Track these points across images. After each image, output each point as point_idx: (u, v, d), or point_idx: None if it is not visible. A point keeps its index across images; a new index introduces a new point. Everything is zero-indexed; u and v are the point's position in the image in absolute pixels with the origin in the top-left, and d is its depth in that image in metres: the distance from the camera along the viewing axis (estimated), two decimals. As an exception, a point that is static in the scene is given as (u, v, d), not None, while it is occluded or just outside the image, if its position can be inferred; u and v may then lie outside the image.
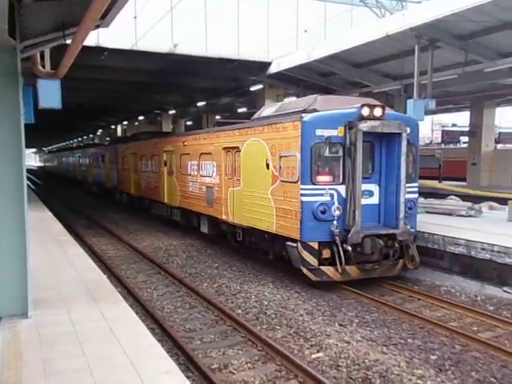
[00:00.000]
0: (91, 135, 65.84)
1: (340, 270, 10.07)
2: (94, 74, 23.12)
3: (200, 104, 31.74)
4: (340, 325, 8.49)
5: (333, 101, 11.18)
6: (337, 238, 9.98)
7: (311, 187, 10.09)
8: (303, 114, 10.17)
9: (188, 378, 6.30)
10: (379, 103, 10.73)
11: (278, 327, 8.38)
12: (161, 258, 14.05)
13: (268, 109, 12.96)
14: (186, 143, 16.71)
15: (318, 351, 7.34)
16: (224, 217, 13.87)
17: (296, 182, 10.26)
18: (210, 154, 14.55)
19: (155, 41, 18.50)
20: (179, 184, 17.48)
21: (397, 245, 10.43)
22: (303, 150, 10.01)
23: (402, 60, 16.81)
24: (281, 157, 10.86)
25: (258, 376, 6.52)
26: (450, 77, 16.50)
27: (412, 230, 10.82)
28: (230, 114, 37.79)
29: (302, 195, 10.10)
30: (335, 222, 10.13)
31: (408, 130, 10.29)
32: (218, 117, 38.34)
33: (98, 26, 6.51)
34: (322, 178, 10.24)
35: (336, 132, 10.07)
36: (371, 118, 10.02)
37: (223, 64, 20.93)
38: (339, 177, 10.30)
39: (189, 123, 43.00)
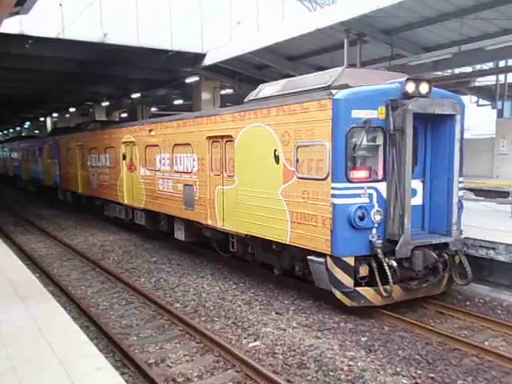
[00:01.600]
0: (18, 128, 62.38)
1: (384, 292, 7.96)
2: (18, 63, 21.95)
3: (135, 96, 31.01)
4: (277, 313, 8.68)
5: (363, 74, 9.06)
6: (378, 250, 7.90)
7: (346, 186, 7.90)
8: (333, 91, 7.92)
9: (124, 374, 6.26)
10: (423, 77, 8.80)
11: (216, 319, 8.44)
12: (96, 255, 13.67)
13: (269, 87, 10.46)
14: (153, 132, 13.93)
15: (255, 340, 7.48)
16: (210, 222, 11.36)
17: (324, 179, 8.01)
18: (189, 144, 12.05)
19: (84, 29, 17.79)
20: (145, 182, 14.68)
21: (446, 256, 8.36)
22: (336, 138, 7.79)
23: (332, 53, 17.27)
24: (298, 147, 8.55)
25: (196, 368, 6.56)
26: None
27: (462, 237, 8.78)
28: (167, 106, 37.22)
29: (334, 196, 7.87)
30: (375, 231, 8.07)
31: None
32: (153, 109, 37.62)
33: (17, 13, 6.17)
34: (358, 174, 8.07)
35: (376, 114, 7.98)
36: (416, 95, 8.05)
37: (157, 55, 20.53)
38: (377, 172, 8.20)
39: (124, 115, 41.85)
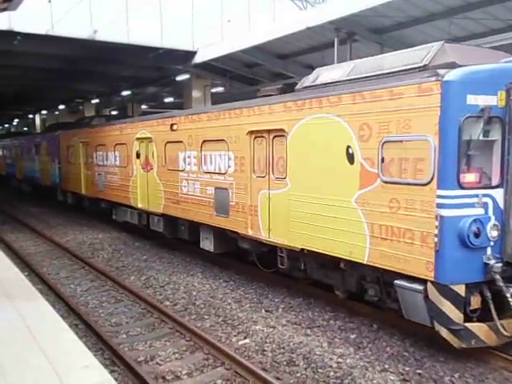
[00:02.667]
0: (6, 125, 61.79)
1: (502, 329, 6.36)
2: (6, 59, 21.68)
3: (125, 93, 30.82)
4: (267, 311, 8.72)
5: (467, 51, 7.22)
6: (497, 276, 6.24)
7: (458, 193, 6.25)
8: (440, 71, 6.29)
9: (113, 371, 6.26)
10: None
11: (206, 317, 8.46)
12: (85, 253, 13.62)
13: (330, 71, 8.54)
14: (175, 127, 12.20)
15: (245, 338, 7.51)
16: (250, 232, 9.70)
17: (426, 185, 6.36)
18: (222, 141, 10.32)
19: (73, 26, 17.65)
20: (164, 183, 12.84)
21: None
22: (445, 131, 6.16)
23: (322, 52, 17.30)
24: (384, 143, 6.89)
25: (186, 365, 6.58)
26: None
27: None
28: (157, 103, 37.07)
29: (442, 206, 6.21)
30: (490, 250, 6.41)
31: None
32: (144, 106, 37.45)
33: (5, 9, 6.13)
34: (471, 178, 6.42)
35: (495, 100, 6.34)
36: None
37: (147, 52, 20.43)
38: (493, 175, 6.55)
39: (114, 113, 41.62)
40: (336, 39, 14.81)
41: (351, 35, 14.99)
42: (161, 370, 6.42)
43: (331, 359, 6.71)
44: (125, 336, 7.67)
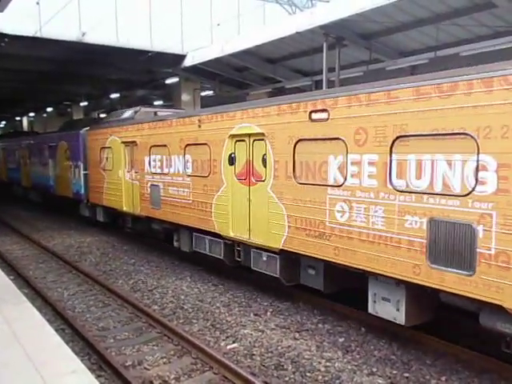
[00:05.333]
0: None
1: None
2: (-7, 61, 21.53)
3: (114, 96, 30.71)
4: (255, 315, 8.70)
5: None
6: None
7: None
8: None
9: (100, 376, 6.21)
10: None
11: (194, 321, 8.43)
12: (73, 257, 13.50)
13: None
14: (324, 115, 7.69)
15: (234, 342, 7.49)
16: None
17: None
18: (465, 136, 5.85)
19: (61, 28, 17.58)
20: (289, 204, 8.50)
21: None
22: None
23: (311, 57, 17.42)
24: None
25: (174, 370, 6.54)
26: (356, 74, 17.35)
27: None
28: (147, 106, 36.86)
29: None
30: None
31: None
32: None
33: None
34: None
35: None
36: None
37: (136, 55, 20.38)
38: None
39: (103, 116, 41.43)
40: (325, 44, 14.92)
41: (340, 40, 15.11)
42: (148, 375, 6.37)
43: (319, 363, 6.71)
44: (112, 340, 7.60)
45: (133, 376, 6.19)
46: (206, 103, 25.41)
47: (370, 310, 7.46)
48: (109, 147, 15.38)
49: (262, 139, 9.08)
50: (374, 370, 6.51)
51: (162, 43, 20.09)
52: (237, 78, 22.57)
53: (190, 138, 11.18)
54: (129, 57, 20.90)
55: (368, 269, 7.13)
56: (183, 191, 11.70)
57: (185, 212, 11.60)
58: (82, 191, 17.66)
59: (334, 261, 7.72)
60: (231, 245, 10.38)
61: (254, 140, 9.33)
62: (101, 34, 18.71)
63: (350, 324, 8.15)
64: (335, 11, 13.63)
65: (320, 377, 6.32)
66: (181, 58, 21.39)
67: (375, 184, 6.96)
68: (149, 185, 13.14)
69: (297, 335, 7.74)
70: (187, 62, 21.34)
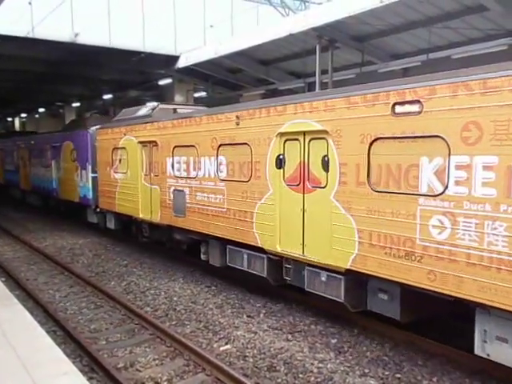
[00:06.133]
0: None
1: None
2: (-15, 62, 21.36)
3: (106, 97, 30.60)
4: (248, 316, 8.71)
5: None
6: None
7: None
8: None
9: (92, 378, 6.19)
10: None
11: (187, 322, 8.41)
12: (65, 258, 13.43)
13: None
14: (416, 107, 6.25)
15: (227, 343, 7.49)
16: None
17: None
18: None
19: (54, 29, 17.49)
20: (359, 216, 7.11)
21: None
22: None
23: (304, 59, 17.46)
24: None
25: (166, 372, 6.53)
26: (348, 76, 17.41)
27: None
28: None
29: None
30: None
31: None
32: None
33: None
34: None
35: None
36: None
37: (129, 56, 20.32)
38: None
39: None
40: (318, 46, 14.96)
41: (333, 42, 15.16)
42: (141, 377, 6.36)
43: (312, 364, 6.73)
44: (104, 342, 7.58)
45: (125, 378, 6.18)
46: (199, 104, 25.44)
47: (478, 351, 5.97)
48: (122, 148, 13.91)
49: (323, 138, 7.64)
50: (367, 370, 6.54)
51: (155, 44, 20.05)
52: (230, 80, 22.57)
53: (225, 137, 9.76)
54: (122, 58, 20.83)
55: (479, 300, 5.65)
56: (215, 198, 10.23)
57: (217, 221, 10.17)
58: (90, 195, 16.39)
59: (428, 288, 6.21)
60: (277, 261, 8.92)
61: (311, 139, 7.92)
62: (94, 35, 18.65)
63: (342, 325, 8.17)
64: (328, 13, 13.67)
65: (312, 378, 6.33)
66: (174, 59, 21.36)
67: (493, 193, 5.47)
68: (171, 190, 11.72)
69: (289, 336, 7.75)
70: (181, 63, 21.32)
